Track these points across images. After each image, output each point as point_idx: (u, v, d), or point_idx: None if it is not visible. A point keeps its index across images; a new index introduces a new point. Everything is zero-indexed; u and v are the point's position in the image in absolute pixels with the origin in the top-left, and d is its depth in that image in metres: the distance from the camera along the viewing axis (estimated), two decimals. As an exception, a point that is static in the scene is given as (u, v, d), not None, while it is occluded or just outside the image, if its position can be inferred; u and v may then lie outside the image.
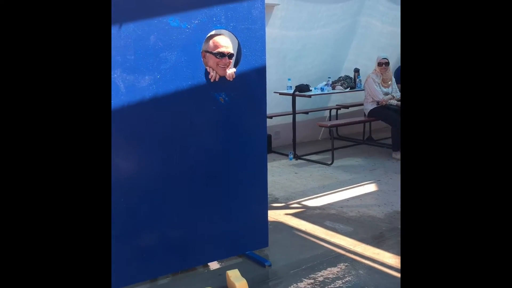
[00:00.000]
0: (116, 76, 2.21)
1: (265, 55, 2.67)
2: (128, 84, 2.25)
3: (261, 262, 2.81)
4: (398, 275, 2.68)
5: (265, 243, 2.92)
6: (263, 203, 2.86)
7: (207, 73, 2.50)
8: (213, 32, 2.53)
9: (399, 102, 5.68)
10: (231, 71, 2.56)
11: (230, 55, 2.55)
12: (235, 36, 2.56)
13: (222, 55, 2.51)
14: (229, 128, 2.62)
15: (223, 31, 2.57)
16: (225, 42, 2.55)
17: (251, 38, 2.60)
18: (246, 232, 2.81)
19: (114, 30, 2.17)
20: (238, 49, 2.62)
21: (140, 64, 2.27)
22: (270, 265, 2.79)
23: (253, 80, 2.66)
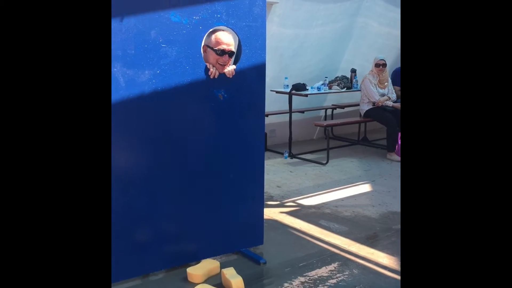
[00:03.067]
0: (116, 70, 2.21)
1: (265, 53, 2.67)
2: (128, 78, 2.25)
3: (256, 259, 2.82)
4: (392, 275, 2.70)
5: (260, 241, 2.93)
6: (259, 200, 2.86)
7: (207, 69, 2.50)
8: (216, 27, 2.51)
9: (395, 104, 5.70)
10: (231, 68, 2.56)
11: (230, 53, 2.54)
12: (236, 33, 2.55)
13: (222, 52, 2.50)
14: (228, 125, 2.62)
15: (225, 27, 2.56)
16: (227, 39, 2.53)
17: (252, 36, 2.60)
18: (241, 229, 2.82)
19: (115, 24, 2.17)
20: (238, 46, 2.62)
21: (140, 58, 2.27)
22: (265, 263, 2.80)
23: (253, 77, 2.66)
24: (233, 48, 2.56)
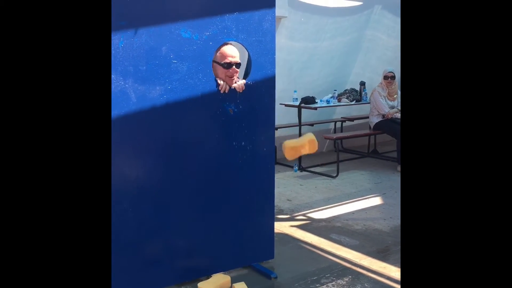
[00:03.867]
0: (128, 86, 2.23)
1: (274, 68, 2.69)
2: (139, 94, 2.27)
3: (267, 274, 2.80)
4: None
5: (271, 255, 2.92)
6: (269, 214, 2.86)
7: (217, 85, 2.51)
8: (225, 42, 2.53)
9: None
10: (240, 82, 2.58)
11: (237, 65, 2.55)
12: (246, 48, 2.57)
13: (229, 65, 2.52)
14: (238, 139, 2.63)
15: (234, 42, 2.58)
16: (231, 52, 2.54)
17: (262, 50, 2.61)
18: (252, 243, 2.81)
19: (127, 40, 2.19)
20: (248, 61, 2.64)
21: (151, 74, 2.29)
22: (276, 277, 2.78)
23: (263, 92, 2.67)
24: (238, 59, 2.57)
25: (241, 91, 2.58)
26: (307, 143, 2.67)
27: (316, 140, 2.67)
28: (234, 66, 2.53)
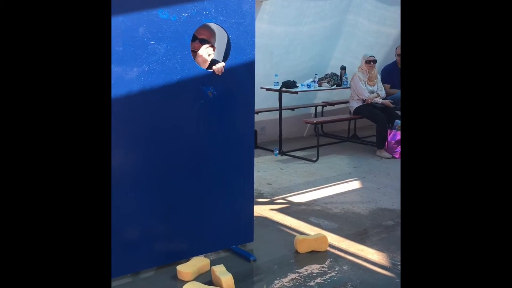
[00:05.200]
0: (104, 67, 2.19)
1: (254, 50, 2.67)
2: (116, 75, 2.23)
3: (246, 256, 2.82)
4: (382, 271, 2.71)
5: (250, 238, 2.93)
6: (249, 198, 2.86)
7: (196, 66, 2.49)
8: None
9: (384, 101, 5.72)
10: (220, 65, 2.56)
11: (201, 40, 2.65)
12: (225, 30, 2.55)
13: (194, 38, 2.57)
14: (217, 122, 2.62)
15: (213, 24, 2.56)
16: (201, 28, 2.60)
17: (241, 33, 2.59)
18: (231, 226, 2.82)
19: (103, 20, 2.15)
20: (227, 43, 2.62)
21: (128, 56, 2.25)
22: (255, 260, 2.80)
23: (242, 75, 2.65)
24: (204, 36, 2.66)
25: (220, 74, 2.55)
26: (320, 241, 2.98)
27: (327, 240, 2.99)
28: (198, 40, 2.58)
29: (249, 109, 2.74)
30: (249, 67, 2.67)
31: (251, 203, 2.89)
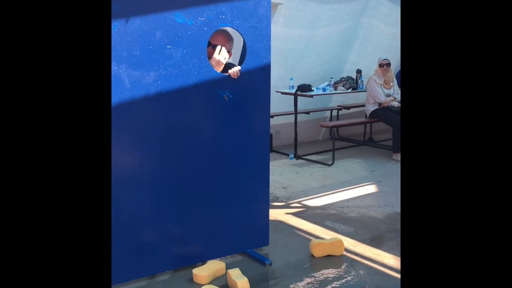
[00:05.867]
0: (122, 71, 2.21)
1: (270, 54, 2.67)
2: (133, 79, 2.25)
3: (262, 260, 2.81)
4: (398, 275, 2.69)
5: (265, 242, 2.93)
6: (265, 201, 2.86)
7: (212, 70, 2.50)
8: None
9: (401, 104, 5.68)
10: (236, 69, 2.56)
11: (213, 46, 2.65)
12: (241, 34, 2.56)
13: (208, 44, 2.57)
14: (233, 126, 2.62)
15: (229, 28, 2.57)
16: (215, 36, 2.61)
17: (257, 37, 2.60)
18: (247, 230, 2.82)
19: (120, 25, 2.17)
20: (243, 47, 2.62)
21: (145, 60, 2.27)
22: (270, 264, 2.79)
23: (258, 78, 2.66)
24: (218, 42, 2.66)
25: (236, 77, 2.56)
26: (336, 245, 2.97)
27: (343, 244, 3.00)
28: (211, 46, 2.59)
29: (265, 113, 2.75)
30: (264, 71, 2.67)
31: (266, 206, 2.88)
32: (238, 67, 2.58)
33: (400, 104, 5.67)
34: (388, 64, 5.67)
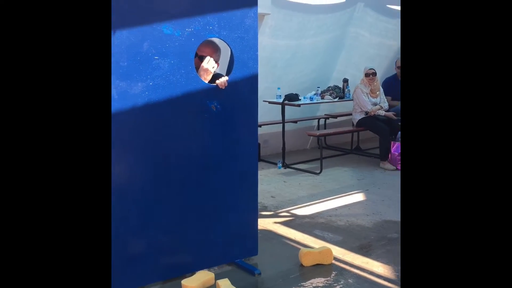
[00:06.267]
0: (109, 82, 2.21)
1: (257, 64, 2.69)
2: (120, 90, 2.25)
3: (251, 270, 2.81)
4: (387, 284, 2.70)
5: (255, 252, 2.92)
6: (253, 211, 2.86)
7: (199, 81, 2.51)
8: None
9: (387, 113, 5.73)
10: (223, 79, 2.58)
11: (200, 57, 2.63)
12: (228, 45, 2.57)
13: (201, 57, 2.59)
14: (221, 136, 2.63)
15: (217, 39, 2.59)
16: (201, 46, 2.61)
17: (244, 47, 2.61)
18: (236, 240, 2.81)
19: (108, 36, 2.17)
20: (230, 57, 2.64)
21: (133, 71, 2.28)
22: (259, 274, 2.79)
23: (245, 88, 2.67)
24: (204, 53, 2.65)
25: (223, 88, 2.57)
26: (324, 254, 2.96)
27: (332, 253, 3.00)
28: (197, 57, 2.58)
29: (253, 122, 2.76)
30: (252, 81, 2.69)
31: (255, 216, 2.88)
32: (226, 77, 2.59)
33: (386, 113, 5.72)
34: (374, 74, 5.72)
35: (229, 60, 2.67)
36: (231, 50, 2.60)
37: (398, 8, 7.03)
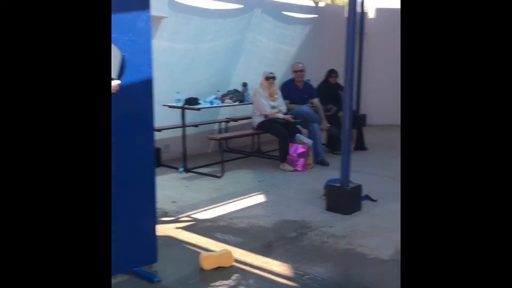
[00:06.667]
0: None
1: (151, 68, 2.63)
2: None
3: (150, 278, 2.74)
4: (286, 282, 2.78)
5: (154, 259, 2.86)
6: (151, 217, 2.80)
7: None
8: None
9: (285, 116, 5.90)
10: (114, 83, 2.49)
11: None
12: (118, 48, 2.49)
13: None
14: (114, 142, 2.53)
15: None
16: None
17: (136, 51, 2.55)
18: (133, 248, 2.73)
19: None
20: (121, 61, 2.56)
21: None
22: (159, 281, 2.73)
23: (139, 93, 2.61)
24: None
25: (114, 92, 2.49)
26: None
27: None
28: None
29: (148, 128, 2.70)
30: (146, 85, 2.63)
31: (153, 223, 2.82)
32: (117, 81, 2.51)
33: (284, 115, 5.88)
34: (274, 78, 5.88)
35: (120, 64, 2.58)
36: (122, 54, 2.52)
37: (294, 15, 7.30)
